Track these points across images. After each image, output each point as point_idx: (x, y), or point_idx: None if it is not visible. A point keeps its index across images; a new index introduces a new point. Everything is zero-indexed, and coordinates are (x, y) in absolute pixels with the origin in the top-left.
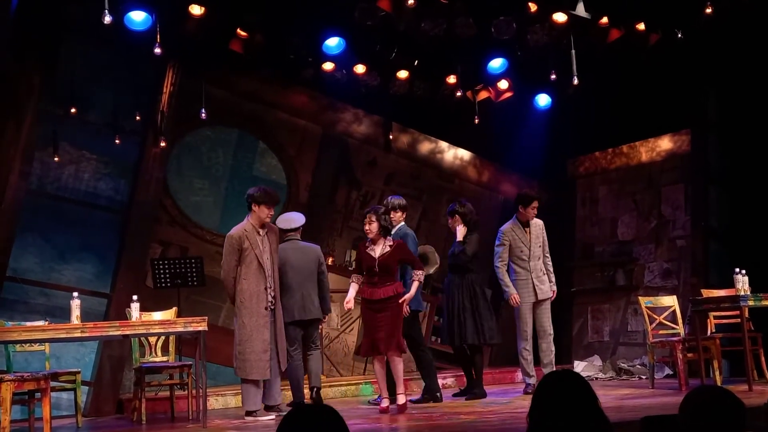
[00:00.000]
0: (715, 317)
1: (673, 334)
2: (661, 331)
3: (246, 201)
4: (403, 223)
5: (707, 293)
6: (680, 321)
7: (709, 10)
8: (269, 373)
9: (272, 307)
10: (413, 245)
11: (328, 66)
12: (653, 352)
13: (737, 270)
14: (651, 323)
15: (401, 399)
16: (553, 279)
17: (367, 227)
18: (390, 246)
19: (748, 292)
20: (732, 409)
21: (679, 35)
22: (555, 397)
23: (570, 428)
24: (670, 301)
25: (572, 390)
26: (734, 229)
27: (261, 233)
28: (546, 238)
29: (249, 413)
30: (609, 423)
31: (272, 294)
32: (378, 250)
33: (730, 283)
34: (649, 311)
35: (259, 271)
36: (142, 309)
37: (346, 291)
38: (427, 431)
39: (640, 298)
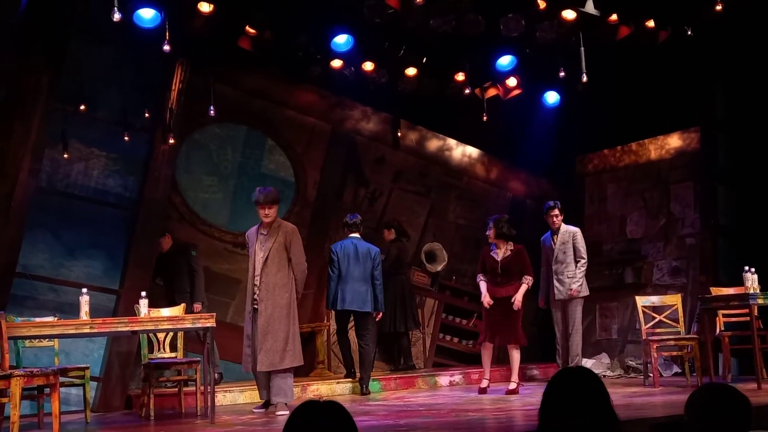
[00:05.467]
0: (724, 315)
1: (674, 332)
2: (658, 330)
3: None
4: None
5: (716, 291)
6: (681, 320)
7: (718, 7)
8: (248, 367)
9: (256, 306)
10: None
11: (336, 63)
12: (647, 350)
13: (746, 268)
14: (649, 322)
15: (513, 385)
16: (576, 281)
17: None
18: (511, 251)
19: (758, 290)
20: (737, 406)
21: (689, 32)
22: (567, 393)
23: (580, 424)
24: (674, 299)
25: (584, 386)
26: (743, 227)
27: (264, 232)
28: (577, 245)
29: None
30: (618, 421)
31: (258, 291)
32: (500, 254)
33: (740, 281)
34: (646, 309)
35: (252, 267)
36: (151, 305)
37: None
38: (435, 428)
39: (637, 298)
